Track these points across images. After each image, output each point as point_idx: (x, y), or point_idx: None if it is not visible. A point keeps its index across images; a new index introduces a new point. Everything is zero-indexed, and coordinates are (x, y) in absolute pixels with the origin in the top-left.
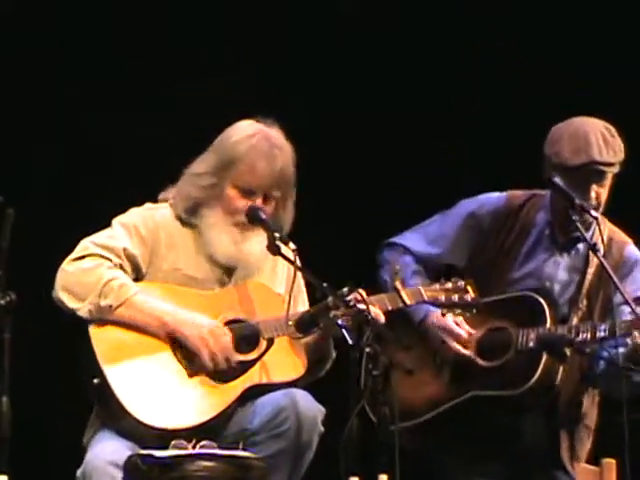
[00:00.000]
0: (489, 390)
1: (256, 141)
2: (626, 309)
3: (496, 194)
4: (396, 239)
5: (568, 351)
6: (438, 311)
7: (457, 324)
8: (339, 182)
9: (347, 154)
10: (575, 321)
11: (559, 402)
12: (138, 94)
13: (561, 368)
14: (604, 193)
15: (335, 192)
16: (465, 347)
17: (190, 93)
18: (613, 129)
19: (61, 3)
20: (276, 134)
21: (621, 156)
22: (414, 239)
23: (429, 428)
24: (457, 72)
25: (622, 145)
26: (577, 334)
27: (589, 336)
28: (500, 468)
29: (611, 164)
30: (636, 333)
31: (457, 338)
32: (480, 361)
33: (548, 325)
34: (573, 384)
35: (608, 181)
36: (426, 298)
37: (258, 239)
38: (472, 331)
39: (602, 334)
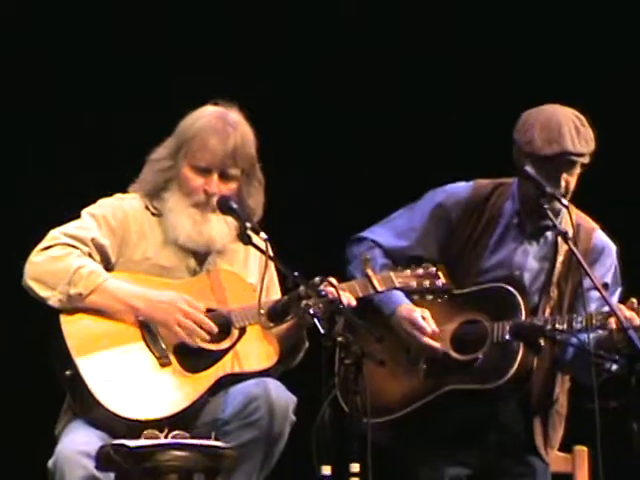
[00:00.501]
0: (467, 384)
1: (209, 119)
2: (595, 295)
3: (462, 184)
4: (364, 234)
5: (542, 341)
6: (407, 304)
7: (424, 318)
8: (311, 172)
9: (316, 144)
10: (547, 310)
11: (532, 389)
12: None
13: (536, 358)
14: (573, 181)
15: (306, 183)
16: (433, 340)
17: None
18: (584, 118)
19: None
20: (233, 114)
21: (592, 146)
22: (382, 233)
23: (403, 423)
24: (422, 61)
25: (593, 135)
26: (553, 326)
27: (565, 327)
28: (474, 457)
29: (583, 154)
30: (612, 320)
31: (422, 331)
32: (455, 355)
33: (523, 316)
34: (544, 371)
35: (578, 170)
36: (397, 284)
37: (219, 219)
38: (436, 329)
39: (579, 326)
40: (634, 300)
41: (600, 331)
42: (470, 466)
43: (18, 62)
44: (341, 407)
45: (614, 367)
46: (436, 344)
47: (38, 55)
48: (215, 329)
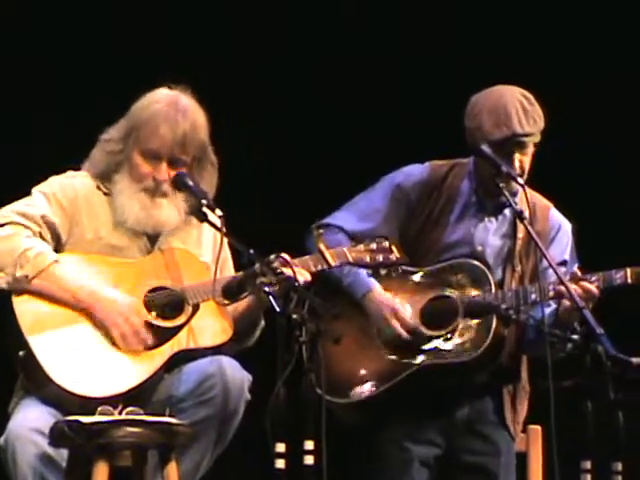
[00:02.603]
0: (441, 359)
1: (160, 106)
2: (552, 273)
3: (418, 165)
4: (327, 220)
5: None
6: (380, 288)
7: (403, 306)
8: (269, 153)
9: (273, 129)
10: (514, 284)
11: (502, 362)
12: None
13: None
14: (527, 161)
15: (266, 163)
16: (407, 330)
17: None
18: (531, 96)
19: None
20: (185, 100)
21: (541, 124)
22: (345, 218)
23: (373, 402)
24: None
25: (541, 112)
26: (504, 301)
27: (520, 302)
28: (442, 436)
29: (532, 134)
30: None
31: (402, 322)
32: (426, 330)
33: (493, 289)
34: (510, 345)
35: (531, 149)
36: (350, 259)
37: (170, 205)
38: (416, 322)
39: (533, 297)
40: (577, 271)
41: (553, 304)
42: (438, 446)
43: None
44: (296, 384)
45: (569, 346)
46: (411, 338)
47: None
48: (150, 342)
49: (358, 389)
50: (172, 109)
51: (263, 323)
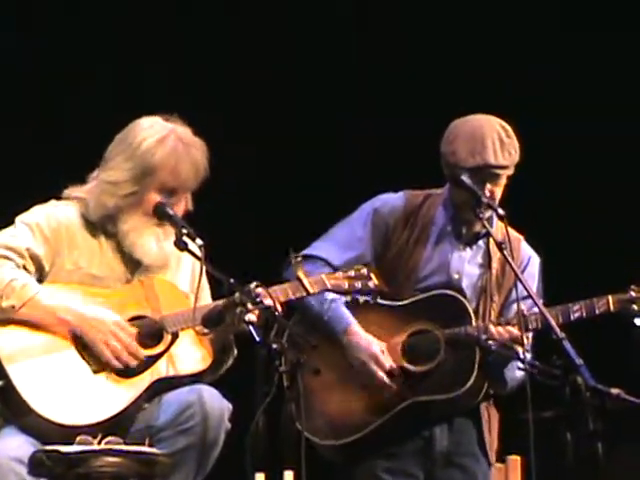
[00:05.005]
0: (429, 395)
1: (173, 144)
2: (522, 304)
3: (394, 194)
4: (307, 251)
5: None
6: (357, 327)
7: (382, 352)
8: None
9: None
10: (492, 314)
11: (487, 393)
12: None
13: None
14: (499, 191)
15: (249, 192)
16: (389, 375)
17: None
18: (509, 129)
19: None
20: (186, 131)
21: (516, 157)
22: (326, 248)
23: (356, 444)
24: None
25: (518, 146)
26: (486, 332)
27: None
28: (422, 468)
29: (505, 167)
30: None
31: (381, 367)
32: (411, 367)
33: (473, 321)
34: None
35: (503, 180)
36: (329, 286)
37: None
38: (394, 365)
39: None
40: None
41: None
42: (417, 478)
43: None
44: (276, 414)
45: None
46: (391, 383)
47: None
48: (142, 355)
49: (341, 431)
50: (181, 144)
51: (236, 352)
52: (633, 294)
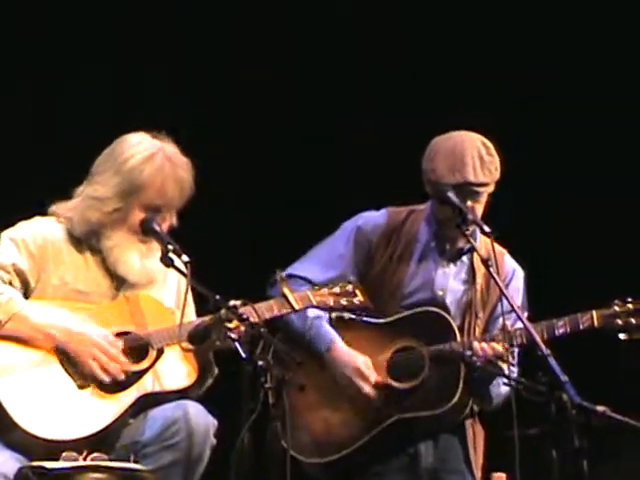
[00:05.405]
0: (415, 411)
1: (160, 163)
2: (506, 319)
3: (376, 211)
4: (289, 271)
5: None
6: (341, 344)
7: (367, 366)
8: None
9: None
10: (477, 330)
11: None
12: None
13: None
14: (479, 208)
15: (235, 208)
16: (374, 389)
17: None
18: (491, 146)
19: None
20: (173, 150)
21: (496, 175)
22: (309, 268)
23: (342, 462)
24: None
25: (498, 163)
26: (470, 348)
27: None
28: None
29: (485, 184)
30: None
31: (366, 381)
32: (395, 384)
33: (458, 337)
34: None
35: (484, 197)
36: (315, 302)
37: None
38: (379, 378)
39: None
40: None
41: (517, 349)
42: None
43: None
44: (262, 431)
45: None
46: (377, 397)
47: None
48: (129, 367)
49: (327, 449)
50: (168, 163)
51: (217, 371)
52: (617, 309)
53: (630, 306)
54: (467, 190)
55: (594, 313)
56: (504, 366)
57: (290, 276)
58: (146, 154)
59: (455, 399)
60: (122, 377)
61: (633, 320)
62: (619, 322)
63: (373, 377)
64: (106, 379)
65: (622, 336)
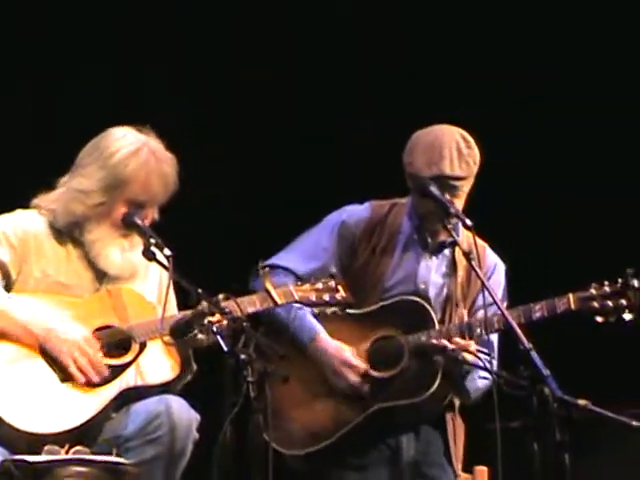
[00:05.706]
0: (394, 400)
1: (145, 157)
2: (488, 311)
3: (359, 205)
4: (272, 261)
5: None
6: (324, 334)
7: (354, 356)
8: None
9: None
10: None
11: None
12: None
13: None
14: (459, 202)
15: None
16: (361, 379)
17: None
18: (471, 140)
19: None
20: (158, 145)
21: (474, 169)
22: (291, 258)
23: (323, 453)
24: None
25: (477, 156)
26: (448, 336)
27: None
28: (394, 476)
29: (461, 178)
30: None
31: (355, 370)
32: (375, 373)
33: (436, 326)
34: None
35: (463, 191)
36: (297, 298)
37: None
38: (367, 368)
39: (477, 332)
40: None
41: (496, 334)
42: None
43: None
44: (244, 425)
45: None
46: (364, 387)
47: None
48: (107, 372)
49: (307, 440)
50: (153, 158)
51: (195, 368)
52: (594, 292)
53: (607, 289)
54: (444, 183)
55: (570, 296)
56: (485, 358)
57: (273, 266)
58: (132, 148)
59: (434, 387)
60: (97, 379)
61: (610, 302)
62: (595, 305)
63: (362, 367)
64: (82, 379)
65: (598, 319)
